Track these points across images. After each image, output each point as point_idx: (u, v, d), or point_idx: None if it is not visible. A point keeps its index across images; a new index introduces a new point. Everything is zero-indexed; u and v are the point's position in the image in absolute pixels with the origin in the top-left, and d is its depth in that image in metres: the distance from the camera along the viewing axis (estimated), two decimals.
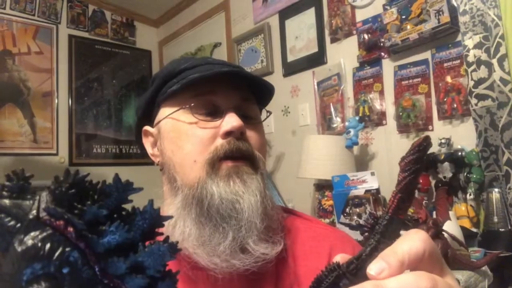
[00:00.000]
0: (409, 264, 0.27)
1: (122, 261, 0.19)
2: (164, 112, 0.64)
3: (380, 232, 0.28)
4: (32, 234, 0.18)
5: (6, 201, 0.19)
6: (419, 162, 0.29)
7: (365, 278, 0.27)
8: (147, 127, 0.68)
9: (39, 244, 0.18)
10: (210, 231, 0.56)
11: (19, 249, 0.18)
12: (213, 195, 0.56)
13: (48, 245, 0.18)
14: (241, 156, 0.60)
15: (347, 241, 0.69)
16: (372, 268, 0.27)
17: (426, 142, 0.29)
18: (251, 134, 0.63)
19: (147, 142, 0.68)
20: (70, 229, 0.19)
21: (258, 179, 0.60)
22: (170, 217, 0.23)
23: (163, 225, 0.22)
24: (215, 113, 0.61)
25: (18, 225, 0.19)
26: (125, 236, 0.20)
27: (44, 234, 0.18)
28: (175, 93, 0.62)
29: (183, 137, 0.61)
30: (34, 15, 2.91)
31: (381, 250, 0.27)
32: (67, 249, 0.18)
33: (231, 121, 0.59)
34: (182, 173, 0.60)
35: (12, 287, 0.18)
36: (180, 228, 0.57)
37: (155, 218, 0.21)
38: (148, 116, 0.68)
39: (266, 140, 0.71)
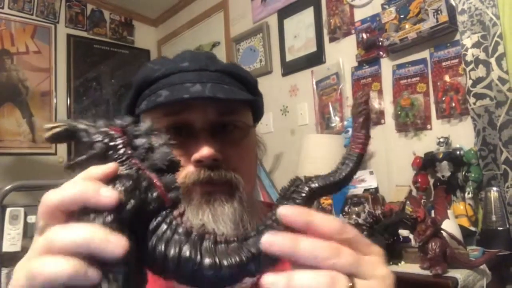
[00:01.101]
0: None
1: (144, 154, 0.33)
2: None
3: (341, 163, 0.36)
4: (102, 131, 0.33)
5: (86, 122, 0.34)
6: (363, 107, 0.37)
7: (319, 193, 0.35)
8: None
9: (103, 137, 0.33)
10: None
11: (93, 134, 0.33)
12: None
13: (107, 137, 0.33)
14: (213, 184, 0.56)
15: None
16: (281, 210, 0.32)
17: (364, 93, 0.38)
18: (231, 153, 0.57)
19: None
20: (118, 129, 0.34)
21: (234, 205, 0.56)
22: (174, 142, 0.36)
23: (172, 143, 0.35)
24: (187, 134, 0.57)
25: (93, 130, 0.34)
26: (148, 141, 0.34)
27: (105, 132, 0.33)
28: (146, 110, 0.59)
29: None
30: (32, 14, 2.90)
31: (343, 173, 0.36)
32: (115, 135, 0.33)
33: (201, 149, 0.54)
34: None
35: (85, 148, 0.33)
36: None
37: (166, 137, 0.35)
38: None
39: (258, 149, 0.68)
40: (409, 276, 1.20)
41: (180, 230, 0.31)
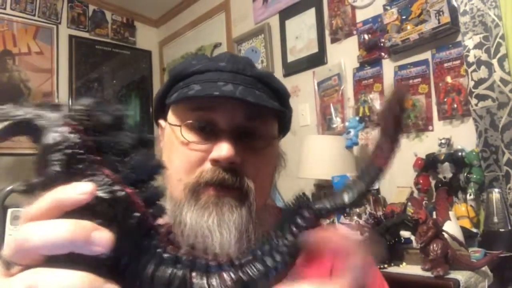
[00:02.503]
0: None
1: (117, 160, 0.28)
2: (169, 115, 0.62)
3: (358, 176, 0.31)
4: (54, 129, 0.27)
5: (41, 111, 0.28)
6: (395, 109, 0.31)
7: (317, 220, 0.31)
8: (161, 121, 0.65)
9: (59, 137, 0.27)
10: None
11: (47, 138, 0.27)
12: (186, 225, 0.53)
13: (65, 136, 0.27)
14: (226, 186, 0.55)
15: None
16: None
17: (403, 89, 0.31)
18: (250, 160, 0.57)
19: (160, 135, 0.65)
20: (78, 128, 0.28)
21: (243, 213, 0.55)
22: (152, 136, 0.31)
23: (149, 138, 0.30)
24: (210, 132, 0.56)
25: (48, 124, 0.28)
26: (120, 140, 0.29)
27: (63, 130, 0.27)
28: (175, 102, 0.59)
29: (174, 151, 0.58)
30: (34, 15, 2.91)
31: (356, 191, 0.30)
32: (77, 140, 0.27)
33: (221, 149, 0.54)
34: (170, 187, 0.58)
35: (41, 165, 0.27)
36: None
37: (142, 132, 0.29)
38: (163, 108, 0.64)
39: (279, 163, 0.67)
40: (411, 278, 1.20)
41: (166, 256, 0.28)
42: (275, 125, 0.63)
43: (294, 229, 0.30)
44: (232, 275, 0.28)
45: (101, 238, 0.25)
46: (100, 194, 0.27)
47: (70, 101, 3.02)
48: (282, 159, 0.68)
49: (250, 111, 0.57)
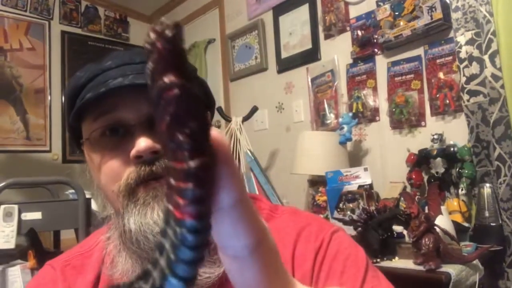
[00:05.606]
0: None
1: None
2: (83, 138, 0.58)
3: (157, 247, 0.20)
4: None
5: None
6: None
7: None
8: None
9: None
10: (144, 265, 0.47)
11: None
12: (131, 231, 0.50)
13: None
14: (157, 178, 0.51)
15: (313, 222, 0.59)
16: None
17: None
18: None
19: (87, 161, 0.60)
20: None
21: None
22: None
23: None
24: (124, 133, 0.53)
25: None
26: None
27: None
28: (79, 118, 0.55)
29: (96, 168, 0.55)
30: (26, 11, 2.88)
31: None
32: None
33: (138, 143, 0.50)
34: (110, 202, 0.56)
35: None
36: (121, 264, 0.53)
37: None
38: (78, 135, 0.59)
39: None
40: (403, 272, 1.21)
41: None
42: None
43: None
44: None
45: None
46: None
47: (62, 97, 3.01)
48: None
49: None
